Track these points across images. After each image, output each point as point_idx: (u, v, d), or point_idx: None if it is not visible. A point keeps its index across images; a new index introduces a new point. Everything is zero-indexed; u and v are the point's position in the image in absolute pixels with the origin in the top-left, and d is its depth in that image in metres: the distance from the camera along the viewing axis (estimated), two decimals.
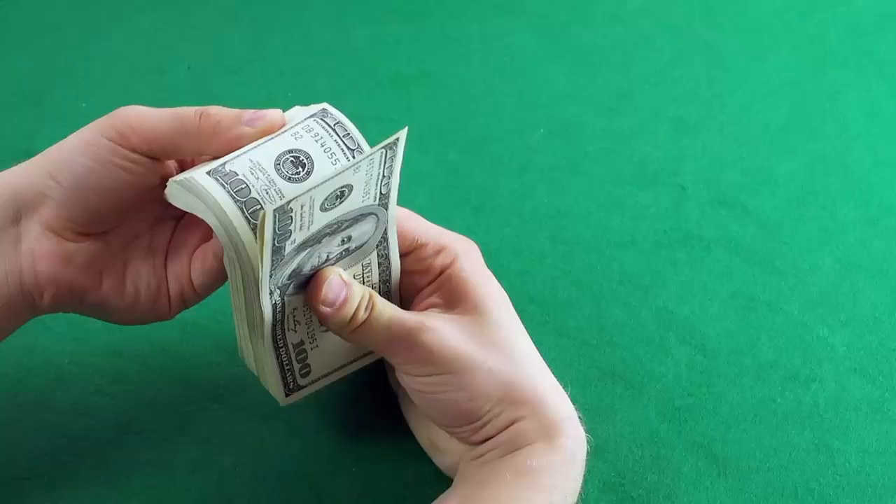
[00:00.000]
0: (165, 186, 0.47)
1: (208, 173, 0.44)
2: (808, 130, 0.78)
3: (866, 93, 0.82)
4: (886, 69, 0.85)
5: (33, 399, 0.57)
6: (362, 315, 0.46)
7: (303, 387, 0.51)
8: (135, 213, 0.49)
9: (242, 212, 0.43)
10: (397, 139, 0.44)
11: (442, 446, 0.52)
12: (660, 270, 0.67)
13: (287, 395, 0.50)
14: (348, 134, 0.46)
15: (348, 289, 0.46)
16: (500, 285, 0.51)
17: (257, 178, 0.44)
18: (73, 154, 0.46)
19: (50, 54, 0.83)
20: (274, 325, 0.46)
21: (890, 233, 0.70)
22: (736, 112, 0.80)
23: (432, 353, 0.47)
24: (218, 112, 0.46)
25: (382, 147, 0.43)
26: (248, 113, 0.46)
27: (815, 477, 0.55)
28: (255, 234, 0.43)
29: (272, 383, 0.50)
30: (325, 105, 0.47)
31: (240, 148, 0.45)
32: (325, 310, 0.46)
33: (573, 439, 0.49)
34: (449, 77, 0.83)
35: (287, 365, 0.49)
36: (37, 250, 0.46)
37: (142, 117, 0.46)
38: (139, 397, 0.57)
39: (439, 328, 0.47)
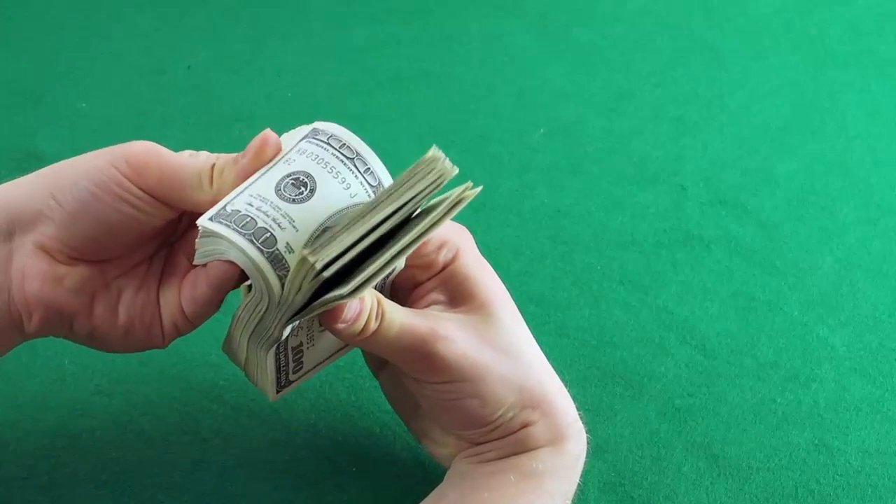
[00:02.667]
0: (169, 224, 0.46)
1: (211, 219, 0.43)
2: (808, 130, 0.79)
3: (866, 93, 0.82)
4: (886, 69, 0.85)
5: (33, 399, 0.57)
6: (373, 325, 0.45)
7: (292, 382, 0.50)
8: (135, 247, 0.47)
9: (252, 243, 0.42)
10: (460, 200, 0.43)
11: (437, 438, 0.51)
12: (660, 270, 0.67)
13: (278, 392, 0.50)
14: (344, 144, 0.45)
15: (362, 301, 0.45)
16: (497, 276, 0.50)
17: (259, 209, 0.43)
18: (80, 178, 0.44)
19: (50, 54, 0.83)
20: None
21: (890, 233, 0.70)
22: (736, 112, 0.80)
23: (447, 363, 0.46)
24: (221, 164, 0.45)
25: (448, 205, 0.43)
26: (239, 155, 0.45)
27: (815, 477, 0.55)
28: (275, 272, 0.43)
29: (264, 382, 0.49)
30: (315, 124, 0.46)
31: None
32: (341, 326, 0.44)
33: (577, 443, 0.49)
34: (449, 77, 0.83)
35: (283, 367, 0.49)
36: (27, 269, 0.45)
37: (162, 163, 0.44)
38: (139, 397, 0.57)
39: (453, 336, 0.46)
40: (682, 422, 0.58)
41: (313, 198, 0.44)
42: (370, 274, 0.41)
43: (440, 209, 0.43)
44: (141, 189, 0.44)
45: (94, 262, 0.46)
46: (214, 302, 0.46)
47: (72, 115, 0.77)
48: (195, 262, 0.45)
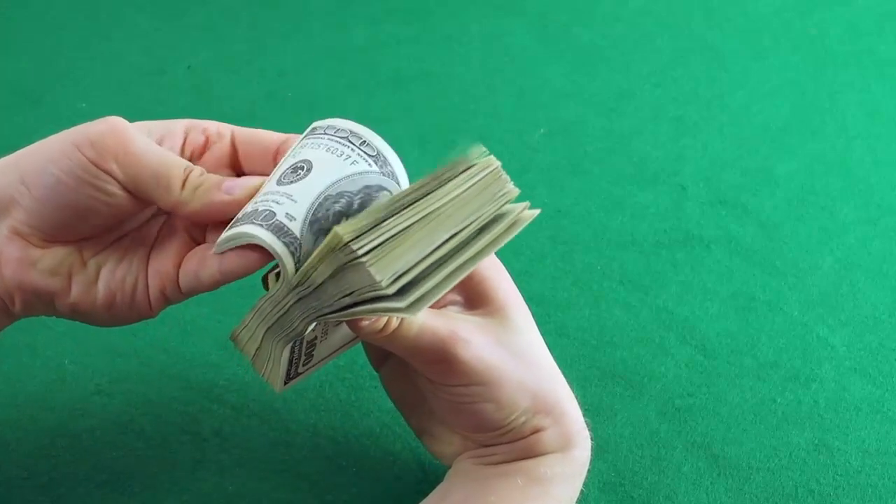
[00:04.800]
0: (152, 205, 0.46)
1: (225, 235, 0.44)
2: (808, 130, 0.79)
3: (866, 93, 0.82)
4: (886, 69, 0.85)
5: (33, 399, 0.57)
6: (394, 323, 0.45)
7: (300, 374, 0.51)
8: (112, 228, 0.46)
9: (253, 222, 0.43)
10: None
11: (441, 437, 0.51)
12: (660, 270, 0.67)
13: (285, 384, 0.50)
14: (339, 129, 0.46)
15: None
16: (510, 278, 0.50)
17: (263, 201, 0.44)
18: (47, 162, 0.43)
19: (50, 54, 0.83)
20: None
21: (890, 233, 0.70)
22: (736, 112, 0.80)
23: (467, 366, 0.46)
24: (200, 177, 0.44)
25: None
26: (228, 181, 0.45)
27: (815, 477, 0.55)
28: (280, 239, 0.43)
29: (273, 374, 0.49)
30: (313, 124, 0.47)
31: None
32: (364, 323, 0.44)
33: (584, 451, 0.49)
34: (449, 77, 0.83)
35: (295, 359, 0.49)
36: (3, 254, 0.44)
37: (127, 151, 0.44)
38: (139, 397, 0.57)
39: (472, 340, 0.46)
40: (682, 422, 0.58)
41: (311, 174, 0.44)
42: (428, 289, 0.41)
43: (497, 229, 0.43)
44: (107, 173, 0.43)
45: (71, 242, 0.46)
46: (218, 285, 0.45)
47: (72, 115, 0.76)
48: (216, 252, 0.45)
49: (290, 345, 0.47)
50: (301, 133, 0.48)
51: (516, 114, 0.79)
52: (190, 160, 0.47)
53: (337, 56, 0.84)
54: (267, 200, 0.44)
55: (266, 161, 0.47)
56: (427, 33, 0.87)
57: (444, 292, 0.41)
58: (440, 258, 0.42)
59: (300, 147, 0.46)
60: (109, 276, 0.46)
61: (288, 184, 0.44)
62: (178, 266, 0.46)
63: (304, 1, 0.90)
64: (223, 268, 0.44)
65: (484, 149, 0.44)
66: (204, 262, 0.45)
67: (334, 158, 0.45)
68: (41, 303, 0.46)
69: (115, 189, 0.44)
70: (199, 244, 0.47)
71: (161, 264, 0.46)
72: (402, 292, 0.41)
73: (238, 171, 0.48)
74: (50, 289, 0.45)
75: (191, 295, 0.47)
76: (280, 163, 0.46)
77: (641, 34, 0.88)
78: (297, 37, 0.86)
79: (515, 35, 0.88)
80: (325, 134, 0.46)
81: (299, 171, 0.44)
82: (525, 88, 0.82)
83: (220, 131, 0.48)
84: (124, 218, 0.46)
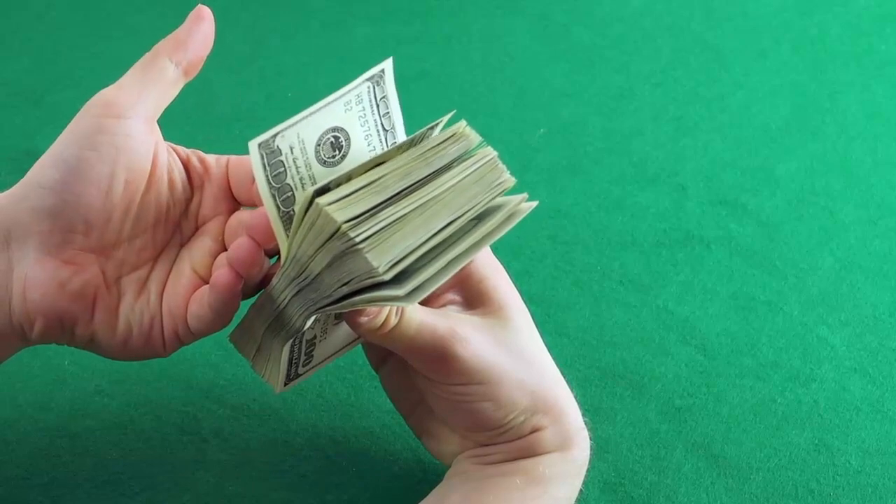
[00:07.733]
0: (174, 201, 0.47)
1: (259, 146, 0.42)
2: (808, 130, 0.79)
3: (866, 93, 0.82)
4: (886, 69, 0.85)
5: (33, 399, 0.57)
6: (393, 321, 0.44)
7: (300, 375, 0.51)
8: (136, 214, 0.46)
9: (274, 199, 0.42)
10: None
11: (440, 436, 0.51)
12: (660, 270, 0.67)
13: (285, 385, 0.50)
14: (388, 113, 0.45)
15: None
16: (508, 278, 0.50)
17: (295, 161, 0.43)
18: (62, 151, 0.44)
19: (50, 54, 0.83)
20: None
21: (890, 233, 0.70)
22: (736, 112, 0.80)
23: (465, 364, 0.46)
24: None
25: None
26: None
27: (815, 477, 0.55)
28: (285, 232, 0.43)
29: (273, 374, 0.49)
30: (386, 65, 0.45)
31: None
32: (363, 320, 0.44)
33: (583, 451, 0.49)
34: (449, 77, 0.83)
35: (295, 359, 0.49)
36: (29, 277, 0.44)
37: (132, 77, 0.47)
38: (139, 397, 0.57)
39: (471, 338, 0.46)
40: (682, 422, 0.58)
41: (341, 164, 0.44)
42: (426, 278, 0.41)
43: (495, 220, 0.43)
44: (126, 117, 0.44)
45: (98, 257, 0.45)
46: (217, 324, 0.46)
47: (72, 115, 0.76)
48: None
49: (290, 345, 0.47)
50: None
51: (516, 114, 0.79)
52: (191, 187, 0.48)
53: (337, 56, 0.84)
54: (297, 170, 0.43)
55: (248, 185, 0.47)
56: (427, 33, 0.87)
57: (442, 281, 0.41)
58: (437, 246, 0.42)
59: (356, 98, 0.44)
60: (129, 308, 0.46)
61: (321, 163, 0.43)
62: (187, 306, 0.47)
63: (304, 1, 0.90)
64: (212, 302, 0.45)
65: (464, 123, 0.44)
66: (202, 303, 0.46)
67: (366, 155, 0.44)
68: (63, 328, 0.46)
69: (131, 138, 0.45)
70: (206, 283, 0.47)
71: (173, 305, 0.47)
72: (398, 280, 0.41)
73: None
74: (74, 313, 0.45)
75: (201, 335, 0.47)
76: (342, 93, 0.44)
77: (641, 34, 0.88)
78: (297, 37, 0.86)
79: (515, 35, 0.87)
80: (377, 109, 0.45)
81: (336, 151, 0.44)
82: (525, 88, 0.82)
83: (218, 159, 0.48)
84: (150, 203, 0.46)
